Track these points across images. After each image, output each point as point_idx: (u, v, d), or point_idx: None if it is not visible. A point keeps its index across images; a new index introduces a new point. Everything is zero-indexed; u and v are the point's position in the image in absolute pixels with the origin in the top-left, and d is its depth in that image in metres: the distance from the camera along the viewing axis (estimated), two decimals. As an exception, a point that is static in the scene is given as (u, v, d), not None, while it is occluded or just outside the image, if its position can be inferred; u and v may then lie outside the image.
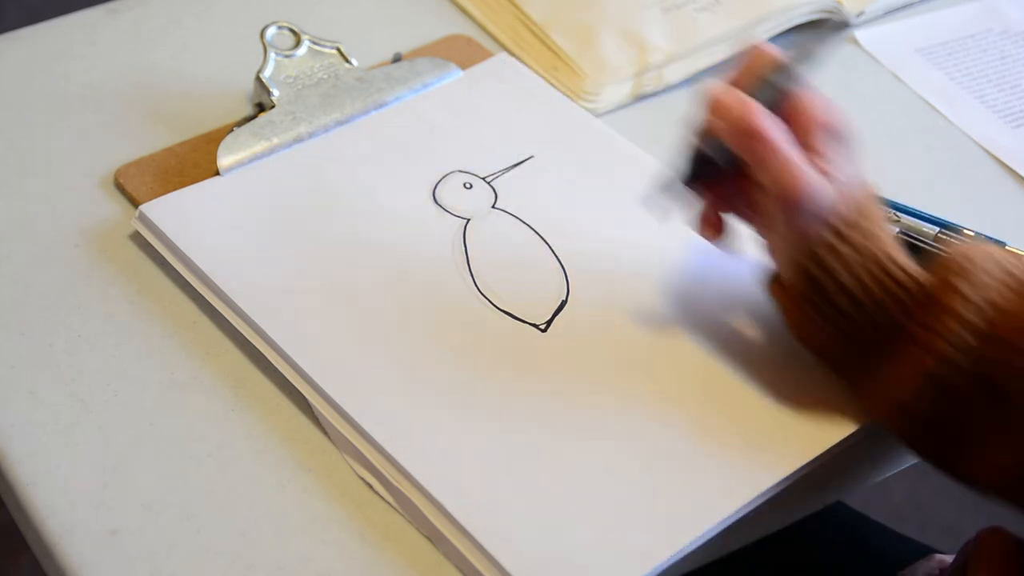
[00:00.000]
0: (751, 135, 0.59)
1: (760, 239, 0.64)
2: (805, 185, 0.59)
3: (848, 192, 0.60)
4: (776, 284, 0.63)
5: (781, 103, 0.61)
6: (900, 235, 0.73)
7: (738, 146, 0.60)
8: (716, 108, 0.60)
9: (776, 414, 0.63)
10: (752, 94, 0.61)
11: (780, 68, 0.61)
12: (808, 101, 0.61)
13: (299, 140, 0.75)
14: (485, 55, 0.84)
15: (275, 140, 0.75)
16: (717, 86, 0.61)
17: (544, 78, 0.83)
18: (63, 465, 0.60)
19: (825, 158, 0.60)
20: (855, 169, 0.62)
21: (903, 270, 0.60)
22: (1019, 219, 0.78)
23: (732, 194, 0.64)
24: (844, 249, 0.59)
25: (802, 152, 0.60)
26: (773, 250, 0.62)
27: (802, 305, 0.61)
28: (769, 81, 0.61)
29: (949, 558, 0.73)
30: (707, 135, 0.62)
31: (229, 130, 0.75)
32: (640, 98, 0.84)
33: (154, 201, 0.70)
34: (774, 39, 0.87)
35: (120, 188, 0.74)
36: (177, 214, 0.70)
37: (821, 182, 0.59)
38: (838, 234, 0.60)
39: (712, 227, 0.65)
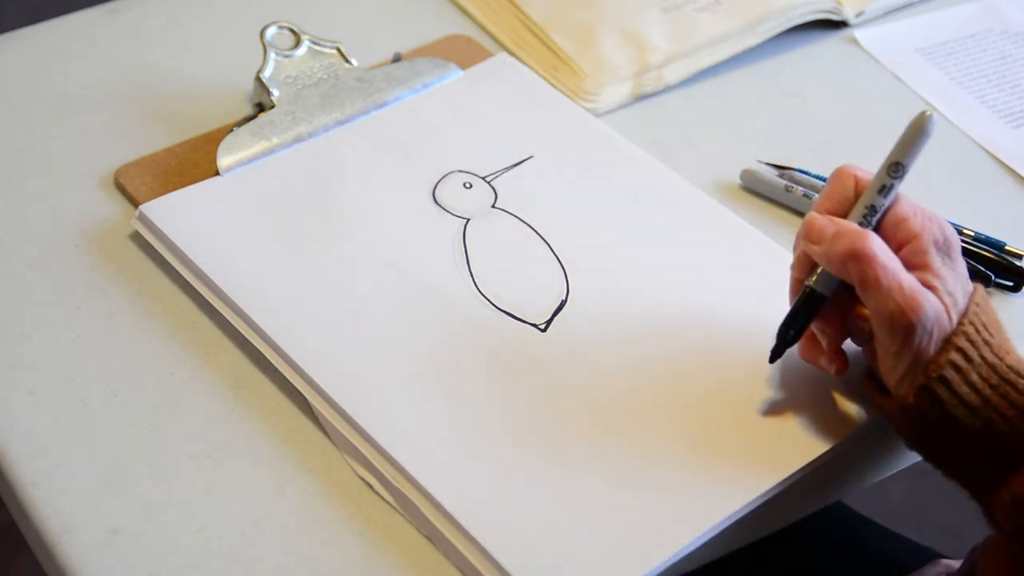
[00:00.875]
0: (860, 258, 0.57)
1: (866, 356, 0.62)
2: (920, 306, 0.56)
3: (968, 308, 0.58)
4: (883, 396, 0.60)
5: (880, 223, 0.60)
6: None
7: (846, 272, 0.58)
8: (821, 236, 0.59)
9: (775, 416, 0.63)
10: (850, 219, 0.60)
11: (876, 189, 0.60)
12: (909, 218, 0.59)
13: (299, 140, 0.75)
14: (485, 55, 0.84)
15: (275, 140, 0.75)
16: (817, 218, 0.60)
17: (544, 78, 0.83)
18: (63, 465, 0.60)
19: (935, 274, 0.58)
20: (965, 281, 0.60)
21: None
22: (1019, 219, 0.78)
23: (833, 322, 0.62)
24: (972, 372, 0.57)
25: (909, 272, 0.58)
26: (885, 370, 0.59)
27: (920, 423, 0.58)
28: (865, 204, 0.60)
29: (956, 563, 0.73)
30: (811, 269, 0.61)
31: (229, 130, 0.75)
32: (640, 98, 0.84)
33: (154, 201, 0.70)
34: (774, 39, 0.87)
35: (120, 188, 0.74)
36: (177, 214, 0.70)
37: (935, 302, 0.57)
38: (965, 355, 0.57)
39: (837, 360, 0.62)
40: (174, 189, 0.72)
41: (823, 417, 0.63)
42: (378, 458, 0.60)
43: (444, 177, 0.74)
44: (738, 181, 0.78)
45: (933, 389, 0.57)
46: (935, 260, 0.59)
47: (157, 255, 0.69)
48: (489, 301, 0.67)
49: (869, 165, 0.80)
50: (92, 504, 0.59)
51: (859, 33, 0.90)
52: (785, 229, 0.75)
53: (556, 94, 0.81)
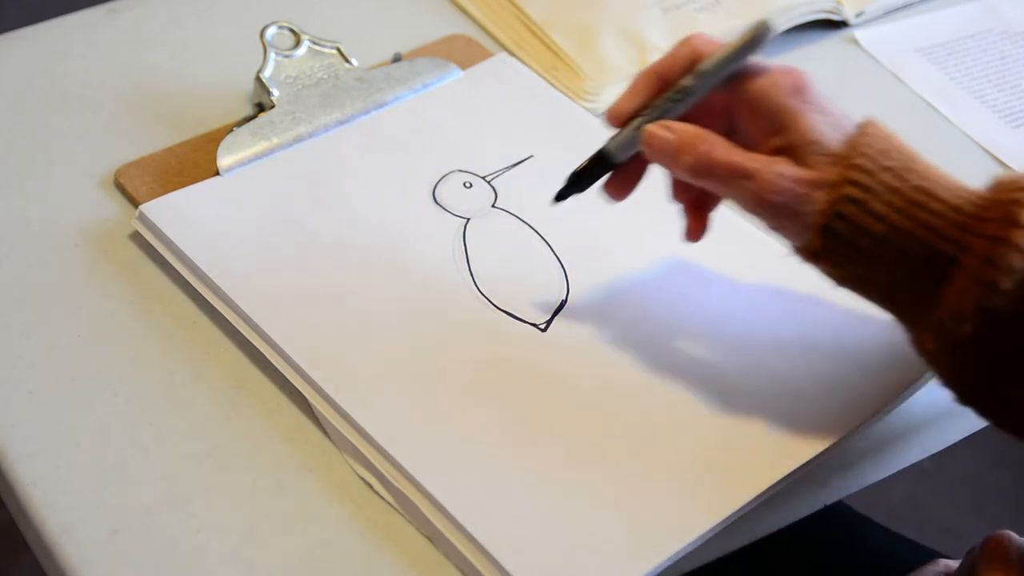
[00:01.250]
0: (703, 170, 0.58)
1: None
2: (778, 189, 0.57)
3: (858, 140, 0.57)
4: (804, 252, 0.59)
5: (733, 85, 0.60)
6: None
7: (698, 182, 0.59)
8: (662, 151, 0.60)
9: (775, 413, 0.63)
10: (696, 86, 0.60)
11: (716, 71, 0.60)
12: (757, 78, 0.59)
13: (299, 140, 0.75)
14: (485, 55, 0.84)
15: (275, 140, 0.75)
16: (654, 133, 0.60)
17: (544, 78, 0.83)
18: (63, 465, 0.60)
19: (794, 129, 0.58)
20: (841, 118, 0.59)
21: (947, 201, 0.56)
22: (1019, 219, 0.78)
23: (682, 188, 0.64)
24: (874, 201, 0.56)
25: (770, 139, 0.58)
26: (772, 228, 0.59)
27: (835, 262, 0.58)
28: (712, 72, 0.60)
29: (955, 563, 0.73)
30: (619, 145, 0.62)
31: (229, 130, 0.75)
32: (640, 98, 0.83)
33: (154, 201, 0.70)
34: (774, 39, 0.87)
35: (120, 188, 0.74)
36: (177, 214, 0.70)
37: (790, 172, 0.57)
38: (861, 186, 0.56)
39: (694, 225, 0.64)
40: (174, 189, 0.72)
41: (822, 415, 0.63)
42: (378, 458, 0.60)
43: (444, 177, 0.74)
44: (738, 181, 0.78)
45: (835, 230, 0.56)
46: (789, 111, 0.58)
47: (157, 255, 0.69)
48: (489, 301, 0.67)
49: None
50: (92, 504, 0.59)
51: (859, 33, 0.90)
52: (785, 229, 0.75)
53: (556, 94, 0.81)
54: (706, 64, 0.60)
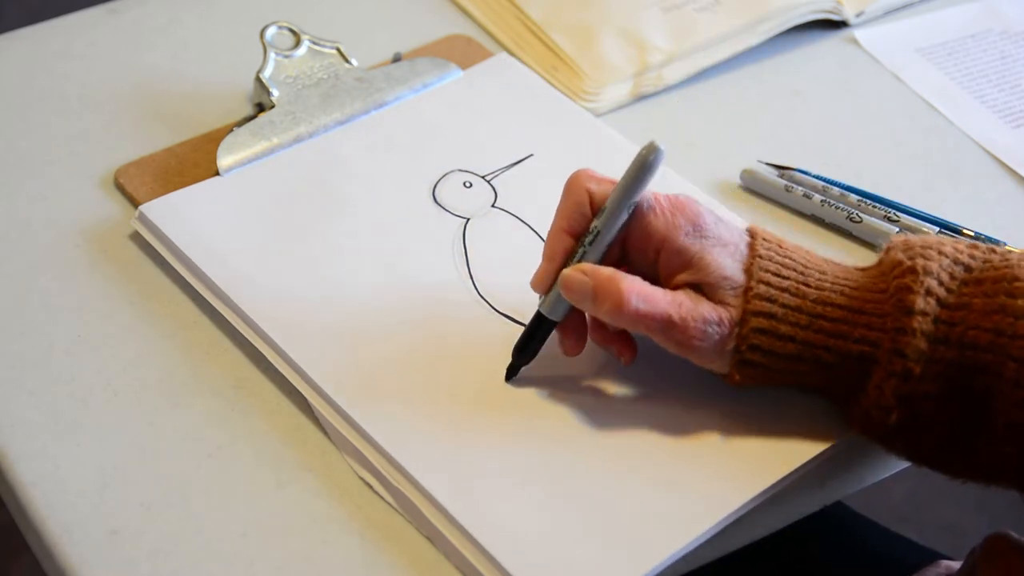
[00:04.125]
0: (624, 315, 0.59)
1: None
2: (696, 331, 0.59)
3: (752, 267, 0.60)
4: (729, 381, 0.62)
5: (628, 232, 0.61)
6: (900, 235, 0.73)
7: (618, 324, 0.60)
8: (583, 297, 0.60)
9: (774, 414, 0.63)
10: (593, 241, 0.61)
11: (618, 206, 0.61)
12: (651, 222, 0.61)
13: (299, 140, 0.75)
14: (485, 55, 0.84)
15: (275, 140, 0.75)
16: (572, 277, 0.60)
17: (544, 78, 0.83)
18: (63, 465, 0.60)
19: (698, 267, 0.60)
20: (737, 243, 0.61)
21: (845, 303, 0.59)
22: (1019, 219, 0.78)
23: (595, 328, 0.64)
24: (781, 326, 0.59)
25: (675, 274, 0.60)
26: (699, 364, 0.61)
27: (762, 384, 0.61)
28: (608, 222, 0.61)
29: (956, 564, 0.73)
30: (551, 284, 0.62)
31: (229, 130, 0.75)
32: (640, 98, 0.84)
33: (154, 201, 0.70)
34: (774, 39, 0.87)
35: (120, 188, 0.74)
36: (177, 214, 0.70)
37: (707, 311, 0.59)
38: (766, 315, 0.59)
39: (622, 349, 0.64)
40: (174, 189, 0.72)
41: (822, 416, 0.63)
42: (378, 458, 0.60)
43: (444, 176, 0.74)
44: (738, 181, 0.78)
45: (749, 360, 0.59)
46: (693, 251, 0.60)
47: (157, 255, 0.69)
48: (488, 303, 0.67)
49: (869, 166, 0.80)
50: (92, 504, 0.59)
51: (859, 33, 0.90)
52: (785, 229, 0.75)
53: (556, 94, 0.81)
54: (609, 202, 0.61)
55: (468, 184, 0.74)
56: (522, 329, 0.65)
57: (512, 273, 0.69)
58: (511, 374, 0.64)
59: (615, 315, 0.59)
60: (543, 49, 0.85)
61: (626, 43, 0.85)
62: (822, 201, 0.75)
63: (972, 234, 0.74)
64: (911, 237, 0.61)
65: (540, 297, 0.63)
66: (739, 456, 0.61)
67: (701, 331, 0.59)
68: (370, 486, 0.60)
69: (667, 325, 0.59)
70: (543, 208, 0.72)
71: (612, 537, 0.58)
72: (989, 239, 0.74)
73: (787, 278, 0.60)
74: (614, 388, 0.64)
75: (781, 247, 0.61)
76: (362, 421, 0.61)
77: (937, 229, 0.74)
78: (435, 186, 0.74)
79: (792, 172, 0.77)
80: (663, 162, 0.60)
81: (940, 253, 0.59)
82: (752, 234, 0.62)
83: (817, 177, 0.77)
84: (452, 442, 0.60)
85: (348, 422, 0.61)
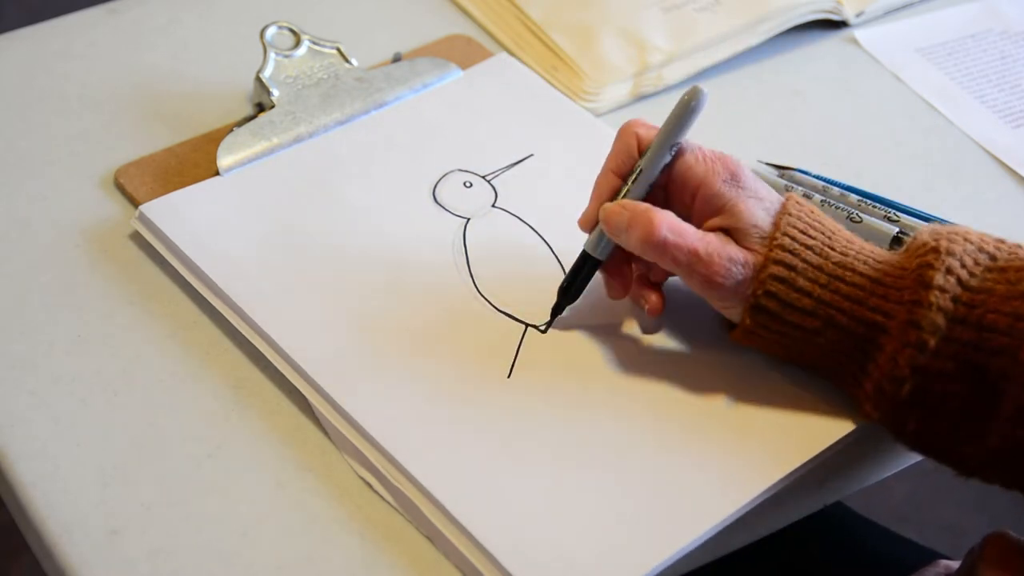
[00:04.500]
0: (653, 245, 0.61)
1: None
2: (718, 266, 0.60)
3: (781, 220, 0.61)
4: (731, 330, 0.64)
5: (670, 176, 0.64)
6: (900, 235, 0.73)
7: (645, 255, 0.62)
8: (618, 228, 0.63)
9: (774, 413, 0.63)
10: (640, 177, 0.64)
11: (661, 146, 0.64)
12: (692, 167, 0.63)
13: (299, 140, 0.75)
14: (485, 55, 0.84)
15: (275, 140, 0.75)
16: (610, 210, 0.63)
17: (544, 78, 0.83)
18: (63, 465, 0.60)
19: (730, 213, 0.62)
20: (770, 198, 0.63)
21: (866, 272, 0.60)
22: (1019, 219, 0.78)
23: (624, 273, 0.66)
24: (798, 279, 0.60)
25: (707, 219, 0.62)
26: (720, 309, 0.63)
27: (768, 340, 0.62)
28: (643, 173, 0.64)
29: (955, 564, 0.73)
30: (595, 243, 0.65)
31: (229, 130, 0.75)
32: (640, 98, 0.84)
33: (154, 201, 0.70)
34: (774, 39, 0.87)
35: (120, 188, 0.74)
36: (177, 214, 0.70)
37: (733, 251, 0.61)
38: (786, 265, 0.60)
39: (650, 297, 0.66)
40: (174, 189, 0.72)
41: (821, 415, 0.63)
42: (378, 458, 0.60)
43: (444, 176, 0.74)
44: (738, 181, 0.78)
45: (764, 306, 0.61)
46: (728, 198, 0.62)
47: (157, 255, 0.69)
48: (488, 302, 0.67)
49: (869, 166, 0.80)
50: (92, 504, 0.59)
51: (859, 33, 0.90)
52: (785, 229, 0.75)
53: (556, 94, 0.81)
54: (653, 143, 0.64)
55: (468, 184, 0.74)
56: (522, 328, 0.65)
57: (512, 272, 0.69)
58: (556, 313, 0.66)
59: (645, 243, 0.61)
60: (543, 49, 0.85)
61: (626, 43, 0.85)
62: (822, 201, 0.75)
63: (972, 234, 0.74)
64: (939, 226, 0.62)
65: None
66: (739, 457, 0.61)
67: (725, 268, 0.60)
68: (370, 486, 0.60)
69: (693, 257, 0.61)
70: (543, 208, 0.72)
71: (612, 537, 0.58)
72: (989, 239, 0.74)
73: (813, 237, 0.61)
74: (614, 389, 0.64)
75: (813, 212, 0.63)
76: (362, 420, 0.61)
77: (937, 229, 0.74)
78: (435, 186, 0.74)
79: (792, 172, 0.77)
80: (706, 106, 0.63)
81: (966, 240, 0.60)
82: (787, 197, 0.64)
83: (817, 177, 0.77)
84: (452, 441, 0.60)
85: (348, 422, 0.61)
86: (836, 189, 0.76)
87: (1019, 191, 0.80)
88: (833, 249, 0.61)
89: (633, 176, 0.64)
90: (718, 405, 0.63)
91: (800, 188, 0.76)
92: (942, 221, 0.74)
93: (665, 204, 0.64)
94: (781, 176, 0.77)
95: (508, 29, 0.87)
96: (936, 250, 0.60)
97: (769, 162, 0.78)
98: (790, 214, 0.62)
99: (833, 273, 0.60)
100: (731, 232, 0.62)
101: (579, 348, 0.66)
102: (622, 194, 0.64)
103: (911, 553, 0.81)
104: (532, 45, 0.86)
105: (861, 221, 0.74)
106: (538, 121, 0.79)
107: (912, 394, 0.59)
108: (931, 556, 0.78)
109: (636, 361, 0.65)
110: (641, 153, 0.64)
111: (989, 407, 0.58)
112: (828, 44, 0.90)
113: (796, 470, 0.61)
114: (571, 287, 0.66)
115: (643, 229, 0.61)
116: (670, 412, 0.63)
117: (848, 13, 0.90)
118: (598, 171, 0.66)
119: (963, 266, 0.59)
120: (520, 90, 0.81)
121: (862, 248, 0.62)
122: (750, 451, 0.61)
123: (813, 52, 0.89)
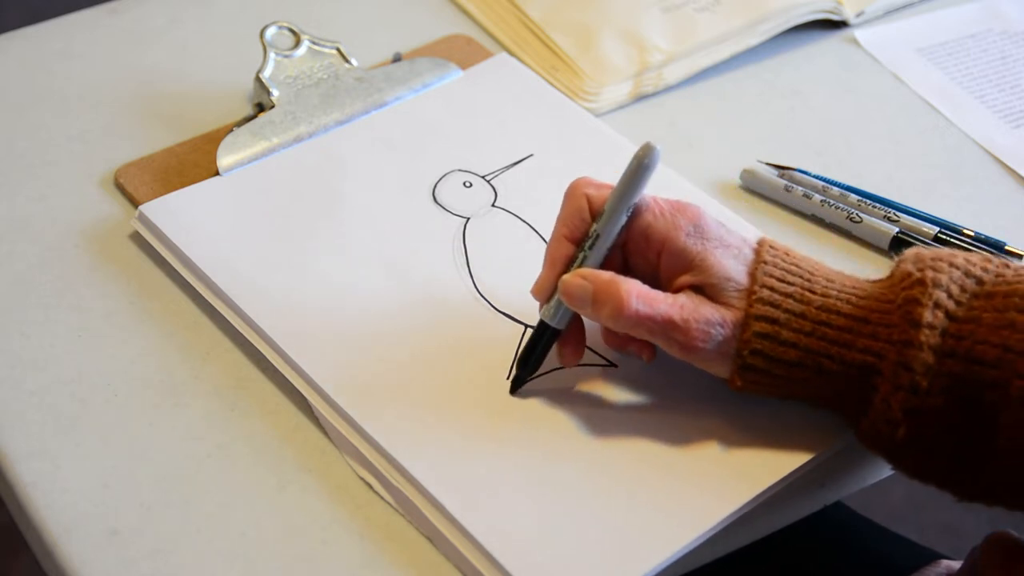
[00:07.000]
0: (625, 319, 0.59)
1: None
2: (698, 332, 0.58)
3: (756, 272, 0.59)
4: (731, 385, 0.61)
5: (629, 234, 0.61)
6: (900, 235, 0.73)
7: (619, 328, 0.60)
8: (583, 303, 0.60)
9: (774, 414, 0.63)
10: (593, 246, 0.61)
11: (616, 210, 0.60)
12: (652, 224, 0.61)
13: (299, 140, 0.75)
14: (485, 55, 0.84)
15: (275, 140, 0.75)
16: (571, 283, 0.60)
17: (544, 78, 0.83)
18: (63, 465, 0.60)
19: (700, 269, 0.59)
20: (740, 246, 0.60)
21: (850, 312, 0.59)
22: (1019, 219, 0.78)
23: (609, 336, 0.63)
24: (782, 331, 0.58)
25: (677, 277, 0.60)
26: (702, 368, 0.61)
27: (764, 391, 0.61)
28: (608, 224, 0.60)
29: (956, 564, 0.73)
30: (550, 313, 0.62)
31: (229, 130, 0.75)
32: (640, 98, 0.84)
33: (154, 201, 0.70)
34: (774, 39, 0.87)
35: (120, 188, 0.74)
36: (177, 214, 0.70)
37: (709, 312, 0.58)
38: (768, 319, 0.58)
39: (643, 352, 0.63)
40: (174, 189, 0.72)
41: (821, 417, 0.63)
42: (378, 458, 0.60)
43: (444, 176, 0.74)
44: (738, 181, 0.78)
45: (751, 365, 0.59)
46: (695, 252, 0.60)
47: (157, 255, 0.69)
48: (488, 302, 0.67)
49: (869, 166, 0.80)
50: (92, 504, 0.59)
51: (859, 33, 0.90)
52: (785, 229, 0.75)
53: (556, 94, 0.81)
54: (608, 205, 0.61)
55: (468, 184, 0.74)
56: (522, 329, 0.65)
57: (512, 272, 0.69)
58: (516, 386, 0.63)
59: (616, 318, 0.59)
60: (543, 49, 0.85)
61: (626, 43, 0.85)
62: (822, 201, 0.75)
63: (972, 234, 0.74)
64: (923, 249, 0.61)
65: (540, 307, 0.62)
66: (739, 457, 0.61)
67: (704, 332, 0.58)
68: (370, 486, 0.60)
69: (669, 327, 0.58)
70: (543, 208, 0.72)
71: (612, 537, 0.58)
72: (989, 239, 0.74)
73: (792, 284, 0.59)
74: (615, 390, 0.64)
75: (788, 255, 0.61)
76: (362, 421, 0.61)
77: (937, 229, 0.74)
78: (435, 186, 0.74)
79: (792, 172, 0.77)
80: (660, 162, 0.60)
81: (951, 265, 0.58)
82: (759, 242, 0.61)
83: (817, 177, 0.77)
84: (452, 442, 0.60)
85: (348, 422, 0.61)
86: (836, 189, 0.76)
87: (1019, 191, 0.80)
88: (814, 292, 0.59)
89: (589, 242, 0.61)
90: (717, 408, 0.63)
91: (800, 188, 0.76)
92: (943, 221, 0.74)
93: (624, 264, 0.62)
94: (781, 176, 0.77)
95: (508, 29, 0.87)
96: (922, 282, 0.58)
97: (769, 162, 0.78)
98: (765, 262, 0.60)
99: (817, 319, 0.59)
100: (704, 288, 0.59)
101: (579, 348, 0.66)
102: (578, 262, 0.61)
103: (911, 553, 0.81)
104: (532, 45, 0.86)
105: (861, 221, 0.74)
106: (538, 121, 0.79)
107: (907, 436, 0.58)
108: (931, 556, 0.78)
109: (636, 362, 0.65)
110: (594, 216, 0.61)
111: (985, 440, 0.57)
112: (828, 44, 0.90)
113: (796, 471, 0.61)
114: (530, 358, 0.62)
115: (612, 305, 0.58)
116: (670, 412, 0.63)
117: (848, 13, 0.90)
118: (597, 169, 0.65)
119: (950, 296, 0.57)
120: (520, 90, 0.81)
121: (843, 285, 0.60)
122: (750, 451, 0.61)
123: (813, 52, 0.89)
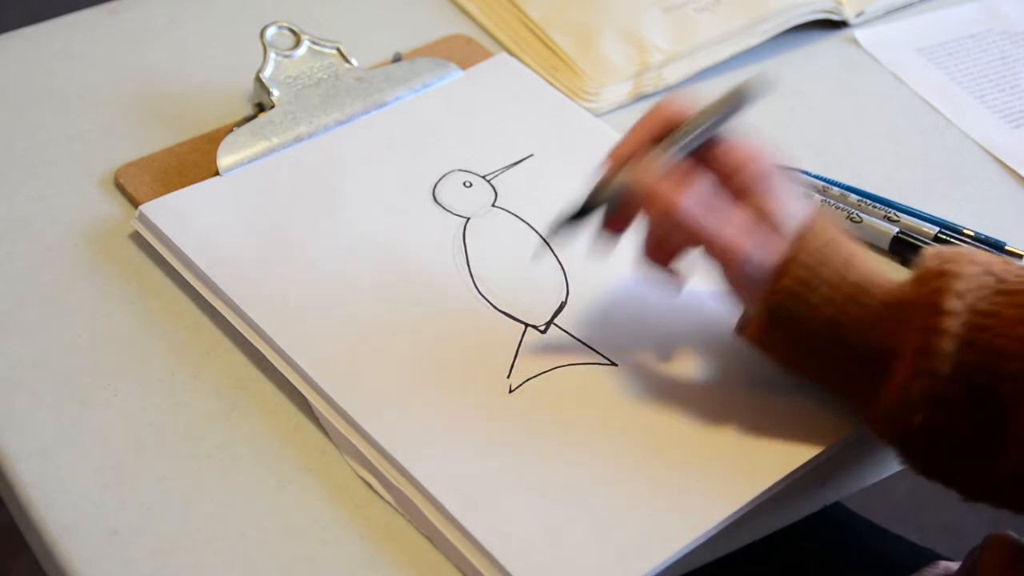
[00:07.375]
0: (679, 225, 0.59)
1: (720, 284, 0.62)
2: (741, 252, 0.59)
3: (803, 233, 0.60)
4: (747, 327, 0.62)
5: (705, 151, 0.62)
6: (900, 235, 0.73)
7: (670, 231, 0.61)
8: (644, 198, 0.60)
9: (774, 414, 0.63)
10: (670, 147, 0.61)
11: (701, 119, 0.62)
12: (734, 150, 0.62)
13: (299, 140, 0.75)
14: (485, 55, 0.84)
15: (275, 140, 0.75)
16: (645, 168, 0.60)
17: (544, 78, 0.83)
18: (63, 465, 0.60)
19: (759, 206, 0.60)
20: (797, 206, 0.61)
21: (879, 296, 0.59)
22: (1019, 219, 0.78)
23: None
24: (812, 294, 0.59)
25: (736, 210, 0.60)
26: (735, 299, 0.62)
27: (780, 347, 0.61)
28: (689, 132, 0.61)
29: (955, 565, 0.73)
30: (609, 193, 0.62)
31: (229, 130, 0.75)
32: (640, 98, 0.84)
33: (154, 201, 0.70)
34: (774, 39, 0.87)
35: (120, 188, 0.74)
36: (177, 214, 0.70)
37: (757, 241, 0.59)
38: (800, 279, 0.59)
39: (662, 261, 0.64)
40: (174, 189, 0.72)
41: (822, 416, 0.63)
42: (378, 458, 0.60)
43: (444, 176, 0.74)
44: (738, 181, 0.78)
45: (779, 313, 0.59)
46: (759, 192, 0.61)
47: (157, 255, 0.69)
48: (488, 302, 0.67)
49: (869, 166, 0.80)
50: (92, 504, 0.59)
51: (859, 33, 0.90)
52: (785, 229, 0.75)
53: (556, 94, 0.81)
54: (701, 119, 0.62)
55: (468, 184, 0.74)
56: (522, 328, 0.65)
57: (512, 272, 0.69)
58: (575, 221, 0.63)
59: (667, 215, 0.59)
60: (543, 49, 0.85)
61: (626, 43, 0.85)
62: (822, 201, 0.75)
63: (972, 234, 0.74)
64: (944, 248, 0.61)
65: (598, 180, 0.62)
66: (739, 456, 0.61)
67: (746, 252, 0.59)
68: (370, 486, 0.60)
69: (714, 235, 0.59)
70: (543, 208, 0.72)
71: (612, 537, 0.58)
72: (989, 239, 0.74)
73: (831, 255, 0.60)
74: (615, 390, 0.64)
75: (832, 230, 0.61)
76: (362, 421, 0.61)
77: (937, 229, 0.74)
78: (435, 186, 0.74)
79: (792, 172, 0.77)
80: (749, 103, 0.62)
81: (972, 263, 0.59)
82: (816, 211, 0.62)
83: (817, 177, 0.77)
84: (452, 442, 0.60)
85: (348, 422, 0.61)
86: (836, 189, 0.76)
87: (1019, 191, 0.80)
88: (851, 267, 0.60)
89: (672, 142, 0.61)
90: (719, 405, 0.63)
91: (800, 188, 0.76)
92: (943, 221, 0.74)
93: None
94: (781, 176, 0.77)
95: (508, 29, 0.87)
96: (945, 274, 0.58)
97: (769, 162, 0.78)
98: (811, 229, 0.60)
99: (847, 292, 0.59)
100: (766, 217, 0.60)
101: (579, 348, 0.66)
102: (658, 153, 0.61)
103: (911, 554, 0.81)
104: (532, 45, 0.86)
105: (861, 221, 0.74)
106: (538, 121, 0.79)
107: (924, 422, 0.58)
108: (931, 557, 0.78)
109: (634, 362, 0.65)
110: (684, 127, 0.62)
111: (998, 433, 0.57)
112: (828, 44, 0.90)
113: (796, 471, 0.61)
114: (576, 218, 0.62)
115: (667, 200, 0.59)
116: (670, 412, 0.63)
117: (848, 13, 0.90)
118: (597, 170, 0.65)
119: (971, 289, 0.58)
120: (520, 90, 0.81)
121: (878, 271, 0.61)
122: (750, 452, 0.61)
123: (813, 52, 0.89)
